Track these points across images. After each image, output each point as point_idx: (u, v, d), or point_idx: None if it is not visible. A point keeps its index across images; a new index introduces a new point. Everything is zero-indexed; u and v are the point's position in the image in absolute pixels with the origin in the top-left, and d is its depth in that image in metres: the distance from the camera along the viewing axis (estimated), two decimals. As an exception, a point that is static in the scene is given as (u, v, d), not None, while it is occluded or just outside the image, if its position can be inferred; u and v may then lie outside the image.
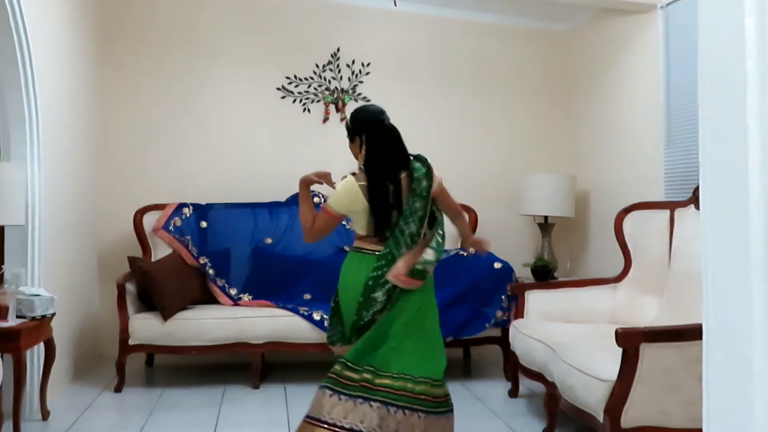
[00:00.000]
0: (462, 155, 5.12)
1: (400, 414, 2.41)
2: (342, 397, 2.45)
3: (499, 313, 4.08)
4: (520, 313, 3.71)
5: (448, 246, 4.24)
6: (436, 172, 2.65)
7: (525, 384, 3.84)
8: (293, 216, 4.60)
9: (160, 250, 4.40)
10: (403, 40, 5.11)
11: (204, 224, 4.50)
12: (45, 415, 3.32)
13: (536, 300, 3.73)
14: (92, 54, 4.51)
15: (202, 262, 4.33)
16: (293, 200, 4.70)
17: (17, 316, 3.06)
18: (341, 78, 5.03)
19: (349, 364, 2.51)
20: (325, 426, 2.41)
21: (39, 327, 3.14)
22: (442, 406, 2.49)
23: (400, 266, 2.50)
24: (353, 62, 5.04)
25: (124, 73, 4.78)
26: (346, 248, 3.60)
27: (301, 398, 3.69)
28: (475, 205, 4.79)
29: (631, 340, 2.40)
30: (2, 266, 3.26)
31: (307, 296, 4.27)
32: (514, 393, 3.76)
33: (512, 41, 5.24)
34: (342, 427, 2.40)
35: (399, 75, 5.06)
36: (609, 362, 2.54)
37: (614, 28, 4.61)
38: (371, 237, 2.63)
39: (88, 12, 4.40)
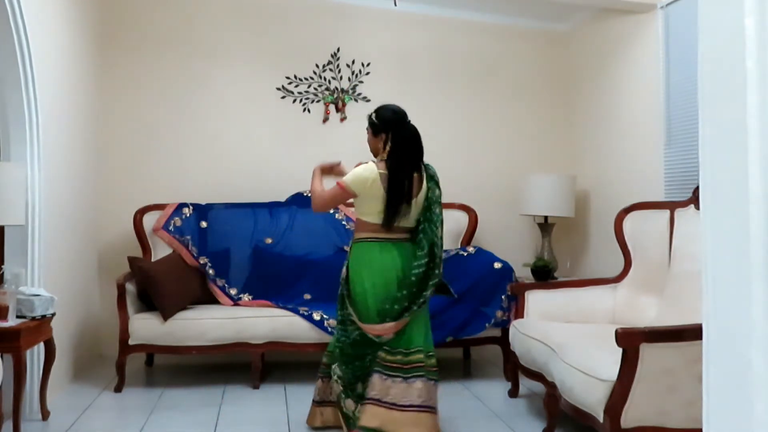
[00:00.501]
0: (462, 155, 5.12)
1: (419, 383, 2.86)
2: (396, 379, 2.86)
3: (499, 313, 4.08)
4: (520, 313, 3.71)
5: (448, 246, 4.27)
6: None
7: (525, 384, 3.83)
8: (293, 216, 4.60)
9: (160, 250, 4.40)
10: (403, 40, 5.11)
11: (204, 224, 4.50)
12: (45, 415, 3.32)
13: (536, 300, 3.72)
14: (92, 54, 4.51)
15: (202, 262, 4.33)
16: (293, 200, 4.71)
17: (17, 316, 3.06)
18: (341, 78, 5.03)
19: (387, 348, 2.90)
20: (386, 406, 2.84)
21: (39, 327, 3.14)
22: (435, 374, 2.96)
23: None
24: (353, 62, 5.04)
25: (124, 73, 4.78)
26: (346, 248, 3.61)
27: (301, 398, 3.69)
28: (475, 205, 4.79)
29: (631, 340, 2.40)
30: (2, 266, 3.26)
31: (307, 296, 4.27)
32: (514, 393, 3.76)
33: (512, 41, 5.24)
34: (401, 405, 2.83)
35: (399, 75, 5.06)
36: (609, 362, 2.54)
37: (614, 28, 4.61)
38: (383, 227, 2.92)
39: (88, 12, 4.41)
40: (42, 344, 3.33)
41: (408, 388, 2.85)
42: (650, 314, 3.39)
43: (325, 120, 5.00)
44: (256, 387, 3.95)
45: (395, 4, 4.32)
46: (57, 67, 3.75)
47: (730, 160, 0.91)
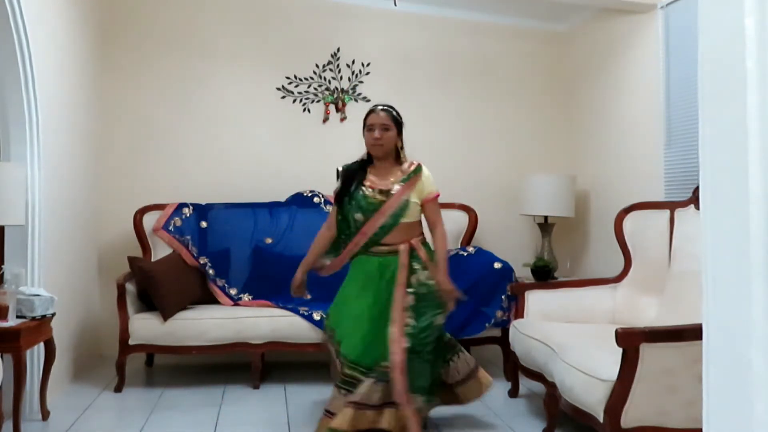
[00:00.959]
0: (462, 155, 5.12)
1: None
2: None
3: (499, 313, 4.07)
4: (520, 313, 3.71)
5: (448, 246, 4.25)
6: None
7: (525, 384, 3.83)
8: (293, 216, 4.60)
9: (160, 250, 4.40)
10: (403, 40, 5.11)
11: (204, 224, 4.50)
12: (45, 415, 3.32)
13: (536, 300, 3.72)
14: (92, 54, 4.51)
15: (202, 262, 4.33)
16: (293, 200, 4.70)
17: (17, 316, 3.06)
18: (341, 78, 5.03)
19: None
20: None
21: (39, 327, 3.14)
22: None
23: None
24: (353, 62, 5.04)
25: (124, 72, 4.78)
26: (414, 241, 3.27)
27: (301, 398, 3.69)
28: (475, 205, 4.79)
29: (631, 340, 2.40)
30: (2, 266, 3.26)
31: (308, 296, 4.26)
32: (514, 393, 3.76)
33: (512, 41, 5.24)
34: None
35: (399, 75, 5.06)
36: (609, 362, 2.54)
37: (614, 28, 4.61)
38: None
39: (89, 12, 4.40)
40: (42, 344, 3.33)
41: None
42: (650, 314, 3.39)
43: (325, 120, 5.00)
44: (256, 387, 3.95)
45: (395, 4, 4.32)
46: (57, 67, 3.74)
47: (730, 160, 0.91)
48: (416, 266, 3.01)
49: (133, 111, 4.80)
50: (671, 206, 3.56)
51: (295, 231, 4.53)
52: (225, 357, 4.46)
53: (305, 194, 4.68)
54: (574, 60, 5.19)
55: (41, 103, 3.39)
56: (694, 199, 3.36)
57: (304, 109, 4.98)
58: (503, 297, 4.07)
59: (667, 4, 4.04)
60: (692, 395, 2.37)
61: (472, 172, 5.10)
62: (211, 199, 4.68)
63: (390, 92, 4.85)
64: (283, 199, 4.71)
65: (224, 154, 4.86)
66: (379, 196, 3.04)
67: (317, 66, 5.00)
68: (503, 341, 4.06)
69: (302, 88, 4.98)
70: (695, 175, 3.60)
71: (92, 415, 3.46)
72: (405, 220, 3.03)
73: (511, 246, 4.98)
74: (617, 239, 3.79)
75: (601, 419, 2.51)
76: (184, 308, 4.03)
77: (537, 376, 3.28)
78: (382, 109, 3.11)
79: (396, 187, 3.03)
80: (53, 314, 3.24)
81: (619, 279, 3.75)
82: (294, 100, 4.97)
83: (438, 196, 3.12)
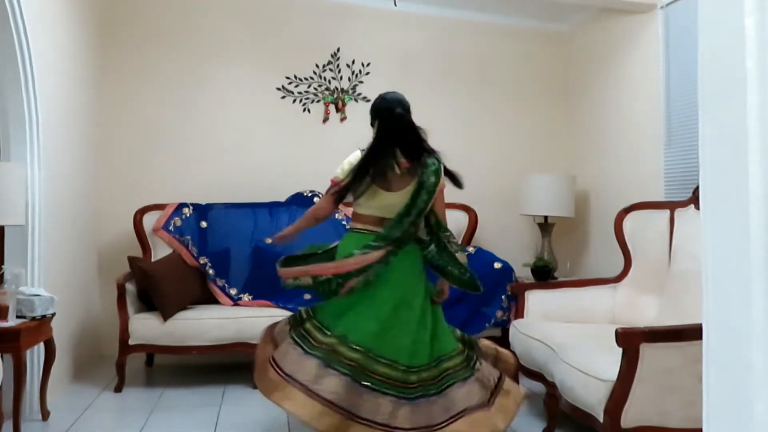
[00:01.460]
0: (462, 155, 5.08)
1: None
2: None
3: (499, 313, 4.08)
4: (520, 313, 3.71)
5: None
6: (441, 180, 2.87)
7: (525, 384, 3.83)
8: (293, 216, 4.59)
9: (160, 250, 4.40)
10: (403, 40, 5.11)
11: (204, 224, 4.50)
12: (45, 415, 3.32)
13: (536, 300, 3.72)
14: (92, 54, 4.51)
15: (202, 262, 4.33)
16: (293, 200, 4.70)
17: (17, 316, 3.06)
18: (341, 78, 5.03)
19: None
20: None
21: (39, 327, 3.14)
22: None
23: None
24: (353, 62, 5.04)
25: (124, 72, 4.78)
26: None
27: (301, 398, 3.68)
28: (475, 205, 4.79)
29: (631, 340, 2.40)
30: (2, 266, 3.26)
31: (307, 296, 4.26)
32: (514, 393, 3.75)
33: (512, 41, 5.24)
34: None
35: (399, 75, 5.06)
36: (609, 362, 2.54)
37: (614, 28, 4.61)
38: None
39: (89, 12, 4.40)
40: (42, 344, 3.33)
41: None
42: (650, 314, 3.39)
43: (325, 120, 5.00)
44: (256, 387, 3.94)
45: (395, 4, 4.32)
46: (57, 66, 3.74)
47: (730, 160, 0.91)
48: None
49: (133, 111, 4.80)
50: (671, 206, 3.56)
51: (295, 231, 4.52)
52: (225, 357, 4.46)
53: (305, 194, 4.68)
54: (574, 60, 5.19)
55: (41, 103, 3.39)
56: (694, 199, 3.36)
57: (304, 109, 4.98)
58: (503, 297, 4.07)
59: (667, 4, 4.04)
60: (692, 395, 2.37)
61: (471, 172, 5.04)
62: (211, 199, 4.68)
63: (390, 92, 4.84)
64: (283, 199, 4.72)
65: (224, 154, 4.86)
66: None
67: (317, 66, 5.00)
68: (503, 341, 4.06)
69: (302, 88, 4.98)
70: (695, 175, 3.60)
71: (92, 415, 3.46)
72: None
73: (511, 246, 4.98)
74: (617, 239, 3.79)
75: (601, 419, 2.51)
76: (184, 308, 4.03)
77: (537, 376, 3.28)
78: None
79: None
80: (53, 314, 3.24)
81: (619, 279, 3.75)
82: (294, 100, 4.97)
83: (331, 181, 2.98)
